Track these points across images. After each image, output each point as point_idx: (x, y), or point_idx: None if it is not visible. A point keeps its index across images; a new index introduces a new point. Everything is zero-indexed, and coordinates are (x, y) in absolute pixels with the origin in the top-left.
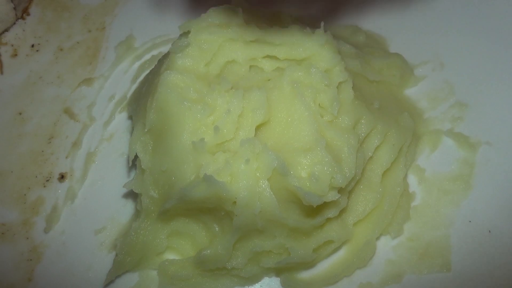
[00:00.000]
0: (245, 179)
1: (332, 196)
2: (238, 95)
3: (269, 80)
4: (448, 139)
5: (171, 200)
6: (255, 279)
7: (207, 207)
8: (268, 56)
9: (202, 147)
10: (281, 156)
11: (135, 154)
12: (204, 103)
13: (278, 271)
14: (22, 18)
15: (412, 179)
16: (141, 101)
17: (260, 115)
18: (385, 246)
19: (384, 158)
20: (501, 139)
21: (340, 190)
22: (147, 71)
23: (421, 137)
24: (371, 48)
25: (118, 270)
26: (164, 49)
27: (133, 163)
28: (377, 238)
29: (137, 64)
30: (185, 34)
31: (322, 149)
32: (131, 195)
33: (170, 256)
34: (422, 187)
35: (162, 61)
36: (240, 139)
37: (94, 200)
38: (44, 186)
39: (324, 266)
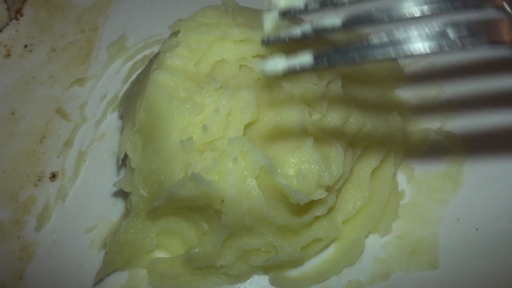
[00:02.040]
0: (233, 177)
1: (319, 194)
2: (227, 94)
3: (258, 79)
4: (438, 137)
5: (160, 199)
6: (244, 277)
7: (196, 206)
8: (258, 55)
9: (191, 146)
10: (269, 155)
11: (124, 153)
12: (192, 102)
13: (266, 269)
14: (16, 18)
15: (401, 178)
16: (132, 100)
17: (249, 114)
18: (374, 244)
19: (373, 156)
20: (490, 138)
21: (328, 189)
22: (139, 71)
23: (410, 136)
24: None
25: (107, 268)
26: (156, 49)
27: (123, 162)
28: (366, 236)
29: (129, 64)
30: (175, 33)
31: (309, 148)
32: (122, 193)
33: (159, 254)
34: (411, 186)
35: (153, 61)
36: (229, 137)
37: (85, 199)
38: (36, 185)
39: (312, 264)
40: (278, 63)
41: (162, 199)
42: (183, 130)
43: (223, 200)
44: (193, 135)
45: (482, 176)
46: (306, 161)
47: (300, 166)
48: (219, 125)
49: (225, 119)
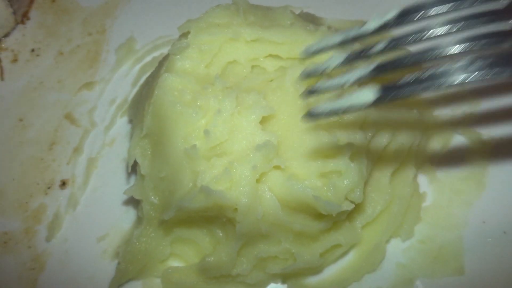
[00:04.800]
0: (245, 185)
1: (347, 205)
2: (231, 94)
3: (271, 80)
4: (460, 136)
5: (170, 212)
6: (261, 285)
7: (209, 215)
8: (270, 56)
9: (195, 154)
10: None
11: (134, 159)
12: (195, 106)
13: (284, 277)
14: (22, 22)
15: (423, 179)
16: (141, 104)
17: (258, 117)
18: (395, 249)
19: (393, 157)
20: None
21: None
22: (148, 74)
23: (431, 135)
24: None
25: (121, 278)
26: (165, 50)
27: (133, 168)
28: (387, 241)
29: (138, 67)
30: (185, 35)
31: (345, 158)
32: (133, 200)
33: (173, 263)
34: (433, 187)
35: (162, 63)
36: (236, 140)
37: (96, 206)
38: (46, 194)
39: (332, 271)
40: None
41: (172, 212)
42: (187, 136)
43: (236, 209)
44: (197, 140)
45: (508, 176)
46: (337, 172)
47: (327, 175)
48: (222, 128)
49: (230, 121)
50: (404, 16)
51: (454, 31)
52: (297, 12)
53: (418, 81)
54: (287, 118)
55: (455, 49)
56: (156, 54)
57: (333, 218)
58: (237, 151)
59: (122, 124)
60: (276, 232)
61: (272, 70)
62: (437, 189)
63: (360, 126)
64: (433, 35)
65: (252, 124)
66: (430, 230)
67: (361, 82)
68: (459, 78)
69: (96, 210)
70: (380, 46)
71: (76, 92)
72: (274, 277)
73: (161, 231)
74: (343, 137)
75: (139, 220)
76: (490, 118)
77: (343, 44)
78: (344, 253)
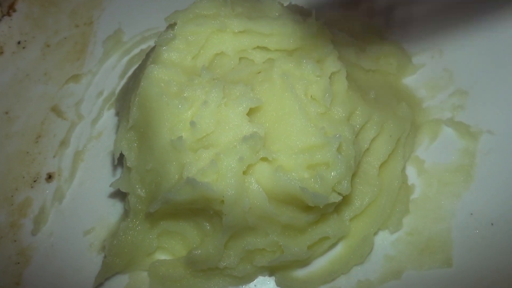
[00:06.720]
0: (232, 177)
1: (334, 197)
2: (217, 86)
3: (259, 72)
4: (448, 128)
5: (155, 204)
6: (249, 278)
7: (195, 208)
8: (258, 47)
9: (181, 145)
10: (276, 157)
11: (120, 151)
12: (182, 98)
13: (272, 269)
14: (8, 14)
15: (411, 171)
16: (128, 97)
17: (245, 108)
18: (384, 241)
19: (381, 149)
20: (503, 128)
21: None
22: (136, 66)
23: (420, 127)
24: (367, 36)
25: (107, 272)
26: (154, 42)
27: (119, 161)
28: (375, 233)
29: (125, 59)
30: (172, 26)
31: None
32: (120, 194)
33: (161, 256)
34: (422, 179)
35: (149, 55)
36: (223, 132)
37: (82, 200)
38: (32, 187)
39: (320, 264)
40: None
41: (158, 204)
42: (173, 128)
43: (223, 201)
44: (183, 132)
45: (495, 168)
46: (324, 163)
47: (314, 167)
48: (209, 120)
49: (216, 112)
50: None
51: None
52: (286, 4)
53: None
54: (274, 110)
55: None
56: (144, 46)
57: (320, 210)
58: (224, 143)
59: (109, 116)
60: (263, 225)
61: (260, 62)
62: (425, 181)
63: (348, 118)
64: None
65: (239, 115)
66: (418, 222)
67: None
68: None
69: (82, 203)
70: None
71: (62, 84)
72: (262, 270)
73: (148, 224)
74: (331, 128)
75: (126, 213)
76: (478, 110)
77: None
78: (332, 246)
